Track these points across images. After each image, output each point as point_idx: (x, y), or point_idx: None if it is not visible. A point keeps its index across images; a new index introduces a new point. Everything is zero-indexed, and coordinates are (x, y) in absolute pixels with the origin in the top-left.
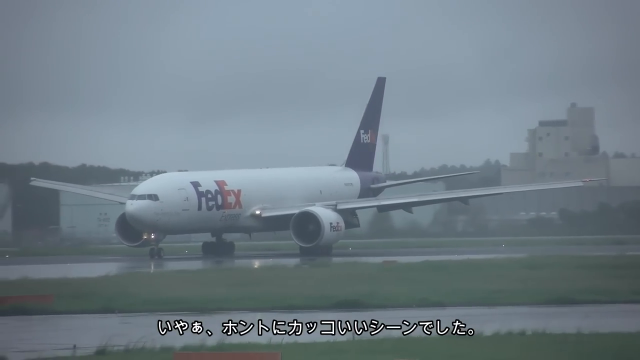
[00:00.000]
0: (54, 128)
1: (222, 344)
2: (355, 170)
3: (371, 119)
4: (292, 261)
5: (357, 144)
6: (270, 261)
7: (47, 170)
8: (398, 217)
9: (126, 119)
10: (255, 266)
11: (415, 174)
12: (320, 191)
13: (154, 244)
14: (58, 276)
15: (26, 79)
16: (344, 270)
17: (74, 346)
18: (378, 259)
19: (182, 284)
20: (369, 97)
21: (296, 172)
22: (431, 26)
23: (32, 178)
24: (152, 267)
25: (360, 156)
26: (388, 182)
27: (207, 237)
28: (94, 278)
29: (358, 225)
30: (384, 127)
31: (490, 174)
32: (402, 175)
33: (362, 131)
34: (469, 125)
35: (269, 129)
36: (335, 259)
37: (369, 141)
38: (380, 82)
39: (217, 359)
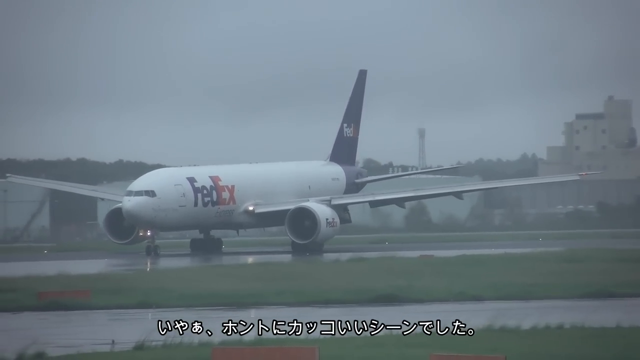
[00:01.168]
0: (91, 124)
1: (260, 339)
2: (340, 165)
3: (353, 112)
4: (330, 255)
5: (340, 138)
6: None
7: (84, 166)
8: (435, 212)
9: (163, 114)
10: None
11: (452, 168)
12: (309, 186)
13: (150, 241)
14: (95, 271)
15: (63, 76)
16: (381, 264)
17: (113, 341)
18: (414, 254)
19: (217, 279)
20: (351, 91)
21: (286, 167)
22: (467, 21)
23: (7, 175)
24: (186, 263)
25: (343, 150)
26: (370, 177)
27: (193, 233)
28: (131, 273)
29: (349, 221)
30: (420, 121)
31: (527, 167)
32: (439, 170)
33: (345, 125)
34: (506, 119)
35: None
36: (372, 254)
37: (351, 135)
38: (362, 75)
39: (256, 353)
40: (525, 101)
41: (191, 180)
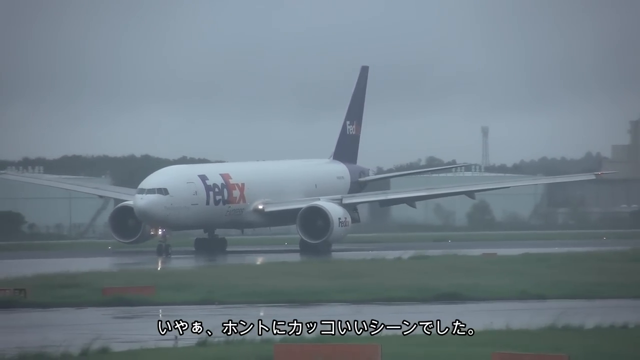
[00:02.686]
0: (157, 121)
1: (321, 336)
2: (343, 163)
3: (356, 109)
4: (392, 253)
5: (343, 135)
6: (370, 253)
7: (148, 162)
8: (498, 210)
9: (227, 110)
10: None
11: (515, 167)
12: (316, 185)
13: (161, 240)
14: (159, 267)
15: (128, 73)
16: (444, 262)
17: (176, 337)
18: (477, 252)
19: (279, 276)
20: (353, 87)
21: (293, 165)
22: (534, 18)
23: (1, 171)
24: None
25: (346, 148)
26: (372, 176)
27: (196, 232)
28: (193, 269)
29: (358, 221)
30: (484, 119)
31: (592, 165)
32: (502, 168)
33: (347, 122)
34: (571, 117)
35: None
36: (434, 252)
37: (354, 133)
38: (364, 71)
39: (318, 350)
40: (591, 99)
41: (203, 177)
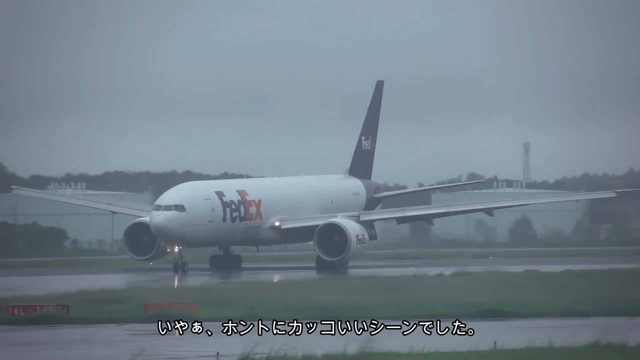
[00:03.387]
0: (199, 136)
1: (363, 352)
2: (359, 179)
3: (371, 124)
4: (434, 269)
5: (358, 151)
6: (411, 269)
7: (190, 178)
8: (539, 226)
9: (267, 125)
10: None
11: (557, 183)
12: (332, 201)
13: (178, 257)
14: (201, 284)
15: (169, 87)
16: (485, 279)
17: (217, 354)
18: (519, 268)
19: (321, 291)
20: (369, 102)
21: (309, 181)
22: (578, 33)
23: (13, 186)
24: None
25: (361, 164)
26: (388, 193)
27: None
28: (235, 285)
29: (375, 237)
30: (526, 135)
31: (635, 182)
32: (544, 184)
33: (363, 137)
34: (614, 133)
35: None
36: (476, 268)
37: (369, 148)
38: (379, 86)
39: None
40: (634, 115)
41: (219, 194)
